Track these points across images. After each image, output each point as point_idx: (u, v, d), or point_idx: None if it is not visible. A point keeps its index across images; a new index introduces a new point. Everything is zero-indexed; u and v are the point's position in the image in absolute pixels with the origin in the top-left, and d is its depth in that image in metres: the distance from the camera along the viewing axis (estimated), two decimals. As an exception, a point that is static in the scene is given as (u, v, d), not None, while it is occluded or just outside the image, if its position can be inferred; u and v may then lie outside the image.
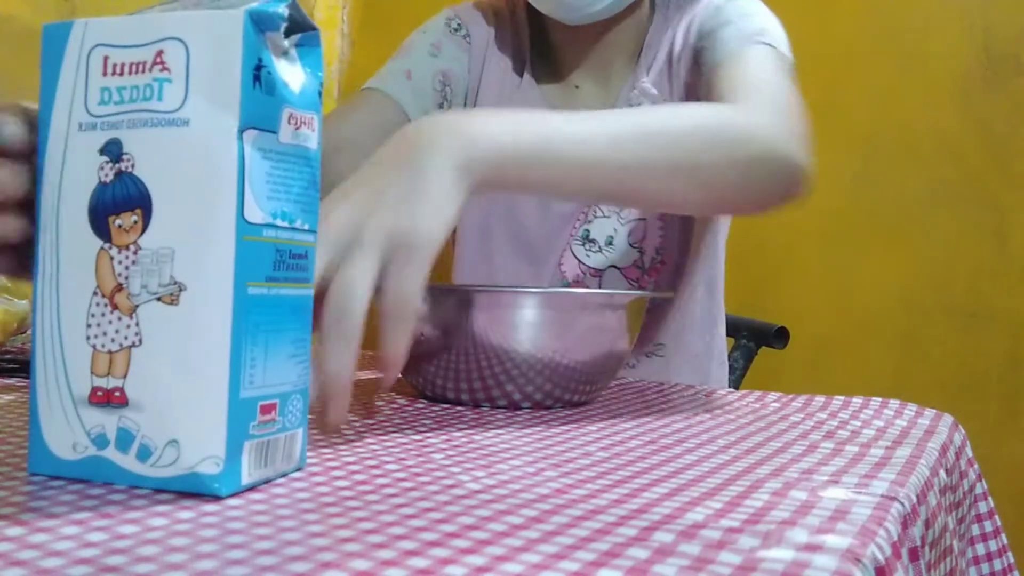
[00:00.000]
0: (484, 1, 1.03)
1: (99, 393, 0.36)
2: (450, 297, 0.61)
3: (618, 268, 0.94)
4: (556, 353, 0.59)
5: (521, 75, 0.99)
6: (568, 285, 0.95)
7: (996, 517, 0.64)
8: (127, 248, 0.35)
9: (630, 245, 0.94)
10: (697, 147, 0.64)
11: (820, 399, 0.70)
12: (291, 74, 0.38)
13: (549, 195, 0.63)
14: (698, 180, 0.65)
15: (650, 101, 0.92)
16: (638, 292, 0.62)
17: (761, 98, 0.73)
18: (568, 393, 0.61)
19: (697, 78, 0.87)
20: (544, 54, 1.01)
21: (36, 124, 0.40)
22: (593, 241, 0.95)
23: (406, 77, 0.94)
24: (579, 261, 0.95)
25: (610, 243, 0.94)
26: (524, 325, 0.58)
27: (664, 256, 0.94)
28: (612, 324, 0.62)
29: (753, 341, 1.18)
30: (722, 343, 1.05)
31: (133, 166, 0.36)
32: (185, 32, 0.35)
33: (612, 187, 0.62)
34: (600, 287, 0.94)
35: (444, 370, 0.60)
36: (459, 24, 1.00)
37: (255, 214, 0.36)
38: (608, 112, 0.64)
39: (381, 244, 0.47)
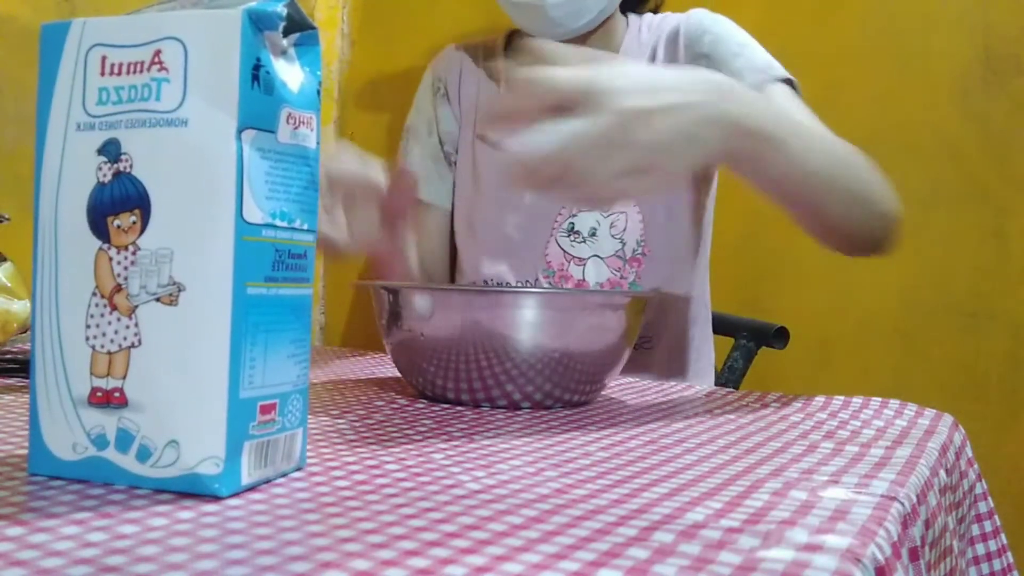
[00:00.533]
0: (462, 41, 1.14)
1: (98, 394, 0.36)
2: (450, 297, 0.61)
3: (600, 257, 1.00)
4: (556, 353, 0.59)
5: (498, 87, 1.08)
6: (553, 274, 1.00)
7: (996, 517, 0.64)
8: (126, 249, 0.35)
9: (611, 236, 1.00)
10: (866, 182, 0.74)
11: (820, 399, 0.70)
12: (290, 73, 0.38)
13: (754, 176, 0.68)
14: (855, 212, 0.74)
15: None
16: (636, 291, 0.63)
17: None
18: (568, 393, 0.61)
19: None
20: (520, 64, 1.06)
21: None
22: (577, 232, 1.01)
23: (423, 179, 1.08)
24: (563, 251, 1.01)
25: (593, 234, 1.00)
26: (523, 325, 0.58)
27: (645, 248, 0.99)
28: (611, 324, 0.62)
29: (753, 341, 1.18)
30: (709, 341, 1.12)
31: (131, 166, 0.36)
32: (183, 32, 0.35)
33: (804, 192, 0.68)
34: (583, 275, 1.00)
35: (444, 370, 0.60)
36: (438, 83, 1.12)
37: (254, 214, 0.36)
38: (817, 128, 0.74)
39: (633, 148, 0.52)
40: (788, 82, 0.93)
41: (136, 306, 0.35)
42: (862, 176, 0.75)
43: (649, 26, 1.04)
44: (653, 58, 1.00)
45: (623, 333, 0.63)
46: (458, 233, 1.10)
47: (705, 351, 1.10)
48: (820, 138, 0.71)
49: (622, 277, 0.99)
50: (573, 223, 1.00)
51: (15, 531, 0.30)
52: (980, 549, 0.62)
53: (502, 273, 1.03)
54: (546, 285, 1.00)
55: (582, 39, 1.00)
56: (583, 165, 0.52)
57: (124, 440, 0.35)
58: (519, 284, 1.02)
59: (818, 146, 0.69)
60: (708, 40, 0.96)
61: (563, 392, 0.61)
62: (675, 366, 1.05)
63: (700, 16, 1.00)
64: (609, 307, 0.62)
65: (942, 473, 0.50)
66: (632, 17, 1.06)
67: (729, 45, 0.95)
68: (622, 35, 1.04)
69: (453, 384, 0.60)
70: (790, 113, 0.71)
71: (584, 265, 1.00)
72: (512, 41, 1.10)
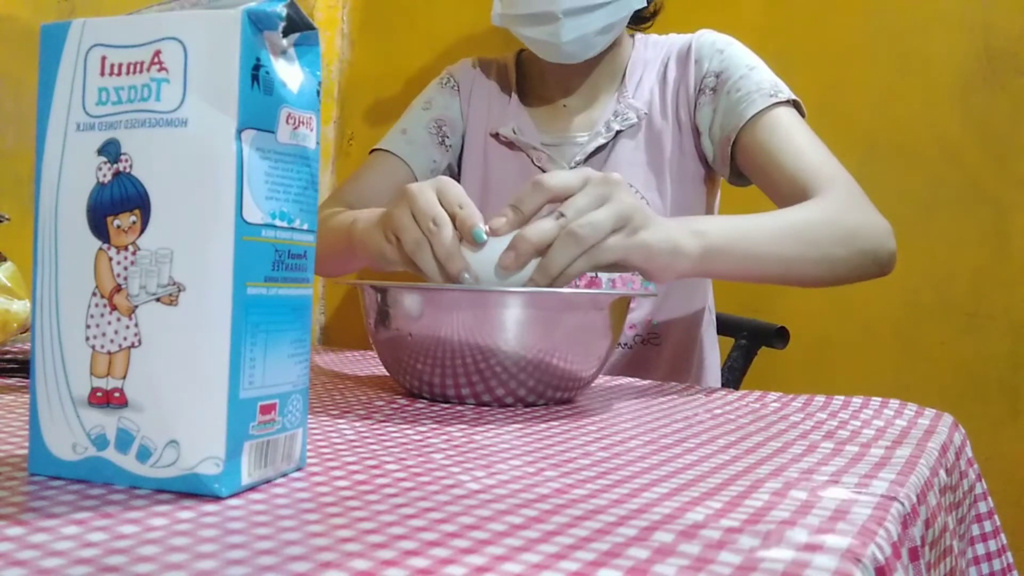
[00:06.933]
0: (476, 56, 1.20)
1: (98, 394, 0.36)
2: (438, 297, 0.61)
3: None
4: (541, 351, 0.59)
5: (509, 96, 1.13)
6: None
7: (996, 517, 0.64)
8: (126, 249, 0.35)
9: None
10: (828, 241, 0.83)
11: (820, 399, 0.70)
12: (289, 74, 0.38)
13: (723, 278, 0.82)
14: (826, 267, 0.83)
15: (635, 113, 1.05)
16: (620, 292, 0.64)
17: (844, 190, 0.89)
18: (552, 390, 0.62)
19: (708, 103, 1.02)
20: (531, 81, 1.14)
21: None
22: None
23: (402, 134, 1.13)
24: None
25: None
26: (510, 324, 0.58)
27: None
28: (596, 323, 0.62)
29: (753, 341, 1.18)
30: (715, 342, 1.14)
31: (131, 166, 0.36)
32: (183, 32, 0.35)
33: (767, 274, 0.80)
34: (596, 272, 1.01)
35: (431, 368, 0.60)
36: (449, 78, 1.17)
37: (254, 214, 0.36)
38: (760, 215, 0.81)
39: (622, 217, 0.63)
40: (794, 103, 0.97)
41: (136, 306, 0.35)
42: (827, 236, 0.83)
43: (655, 44, 1.10)
44: (664, 74, 1.06)
45: (608, 332, 0.63)
46: None
47: (711, 351, 1.11)
48: (770, 228, 0.80)
49: (634, 274, 1.01)
50: None
51: (15, 531, 0.30)
52: (980, 549, 0.62)
53: None
54: None
55: (592, 62, 1.06)
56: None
57: (124, 440, 0.35)
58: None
59: (765, 238, 0.78)
60: (718, 59, 1.02)
61: (547, 388, 0.61)
62: (682, 365, 1.06)
63: (713, 37, 1.05)
64: (594, 307, 0.62)
65: (942, 473, 0.50)
66: (638, 36, 1.11)
67: (738, 67, 1.00)
68: (628, 54, 1.09)
69: (440, 380, 0.61)
70: (741, 223, 0.78)
71: None
72: (521, 59, 1.16)
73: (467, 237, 0.62)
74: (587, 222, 0.62)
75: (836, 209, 0.86)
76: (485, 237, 0.62)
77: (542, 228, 0.62)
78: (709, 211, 1.09)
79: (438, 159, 1.12)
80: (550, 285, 0.62)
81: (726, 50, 1.02)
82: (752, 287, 1.33)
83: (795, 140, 0.93)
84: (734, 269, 0.76)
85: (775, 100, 0.95)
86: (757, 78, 0.98)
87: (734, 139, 0.97)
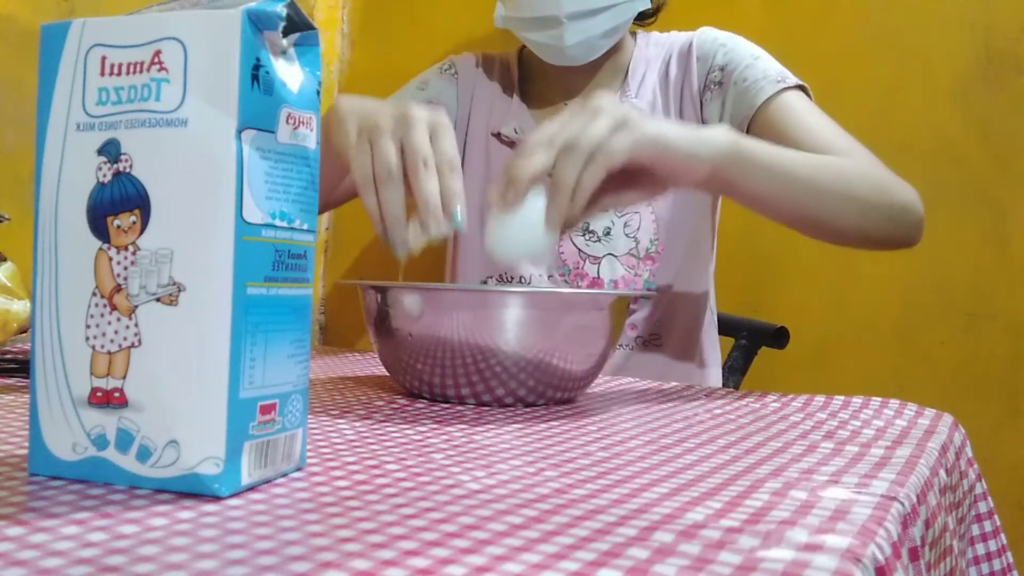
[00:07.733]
0: (478, 52, 1.18)
1: (98, 394, 0.36)
2: (434, 296, 0.61)
3: (615, 256, 1.03)
4: (540, 351, 0.59)
5: (511, 97, 1.12)
6: (569, 272, 1.03)
7: (996, 517, 0.64)
8: (126, 249, 0.35)
9: (625, 235, 1.03)
10: (861, 184, 0.80)
11: (820, 399, 0.70)
12: (289, 74, 0.38)
13: (742, 198, 0.76)
14: (860, 212, 0.80)
15: None
16: (619, 292, 0.64)
17: (868, 158, 0.88)
18: (552, 390, 0.62)
19: (716, 97, 1.01)
20: (534, 81, 1.13)
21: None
22: (592, 232, 1.03)
23: None
24: (579, 249, 1.03)
25: (608, 233, 1.03)
26: (510, 324, 0.58)
27: (659, 246, 1.03)
28: (596, 323, 0.62)
29: (753, 341, 1.18)
30: (716, 342, 1.13)
31: (131, 166, 0.36)
32: (183, 32, 0.35)
33: (799, 203, 0.76)
34: (598, 273, 1.02)
35: (431, 368, 0.60)
36: (450, 65, 1.15)
37: (254, 214, 0.36)
38: (786, 148, 0.78)
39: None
40: (801, 88, 0.97)
41: (136, 306, 0.35)
42: (860, 180, 0.80)
43: (657, 43, 1.09)
44: (665, 72, 1.06)
45: (608, 332, 0.63)
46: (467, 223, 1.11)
47: (712, 352, 1.11)
48: (804, 157, 0.78)
49: (636, 275, 1.02)
50: (588, 223, 1.03)
51: (15, 531, 0.30)
52: (980, 549, 0.62)
53: (519, 269, 1.05)
54: (562, 283, 1.02)
55: (595, 63, 1.05)
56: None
57: (124, 440, 0.35)
58: (532, 280, 1.04)
59: (799, 162, 0.76)
60: (722, 53, 1.01)
61: (547, 388, 0.61)
62: (683, 365, 1.06)
63: (713, 33, 1.05)
64: (594, 307, 0.62)
65: (942, 473, 0.50)
66: (640, 34, 1.11)
67: (743, 57, 1.00)
68: (630, 52, 1.09)
69: (440, 380, 0.61)
70: (767, 144, 0.76)
71: (599, 263, 1.02)
72: (523, 57, 1.16)
73: (447, 211, 0.60)
74: (581, 132, 0.60)
75: (866, 165, 0.85)
76: (463, 227, 0.60)
77: (534, 158, 0.60)
78: (712, 212, 1.09)
79: None
80: (571, 207, 0.60)
81: (728, 43, 1.02)
82: (752, 286, 1.34)
83: (809, 120, 0.93)
84: (763, 185, 0.73)
85: (783, 85, 0.95)
86: (763, 67, 0.98)
87: (747, 128, 0.97)
